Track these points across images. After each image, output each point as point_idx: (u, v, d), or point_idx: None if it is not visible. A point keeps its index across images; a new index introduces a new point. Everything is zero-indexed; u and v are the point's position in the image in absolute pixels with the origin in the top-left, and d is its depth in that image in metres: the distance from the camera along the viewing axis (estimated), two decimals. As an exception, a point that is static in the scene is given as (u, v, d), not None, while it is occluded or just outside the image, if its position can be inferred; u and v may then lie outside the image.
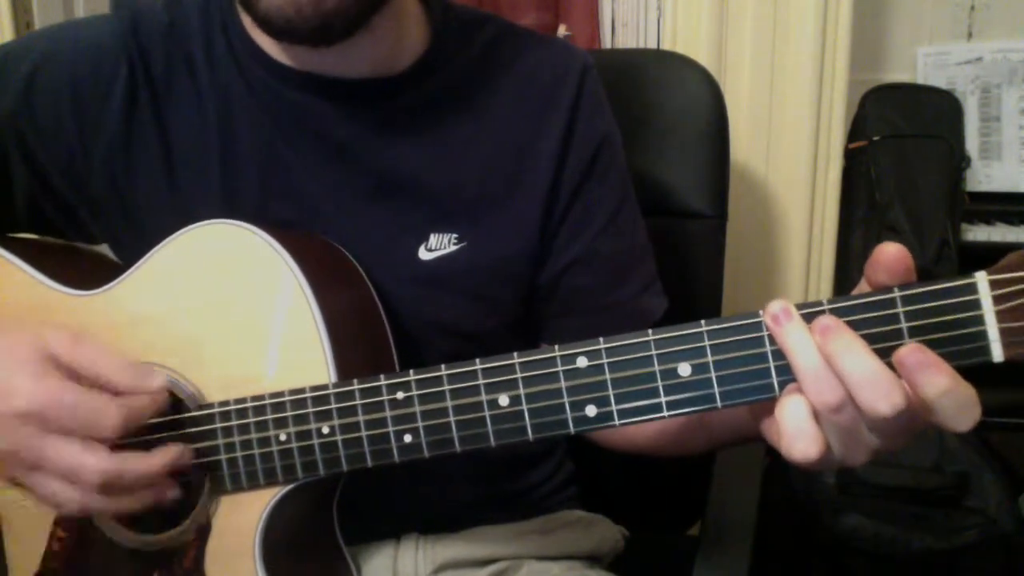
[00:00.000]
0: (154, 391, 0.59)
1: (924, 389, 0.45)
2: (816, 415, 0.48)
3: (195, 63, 0.72)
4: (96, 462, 0.56)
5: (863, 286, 0.50)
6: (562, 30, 1.67)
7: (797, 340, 0.48)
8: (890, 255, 0.47)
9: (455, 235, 0.73)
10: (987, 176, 1.70)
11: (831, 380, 0.47)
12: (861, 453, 0.49)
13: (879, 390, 0.45)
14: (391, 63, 0.72)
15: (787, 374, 0.49)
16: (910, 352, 0.45)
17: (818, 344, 0.47)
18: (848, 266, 1.60)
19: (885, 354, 0.46)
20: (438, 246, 0.72)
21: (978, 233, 1.62)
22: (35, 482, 0.58)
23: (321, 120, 0.71)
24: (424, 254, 0.72)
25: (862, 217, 1.61)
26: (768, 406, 0.52)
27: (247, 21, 0.70)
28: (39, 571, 0.69)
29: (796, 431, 0.48)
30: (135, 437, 0.61)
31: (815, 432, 0.48)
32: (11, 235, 0.77)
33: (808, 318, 0.48)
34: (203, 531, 0.65)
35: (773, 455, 0.54)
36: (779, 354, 0.49)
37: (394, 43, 0.72)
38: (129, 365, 0.59)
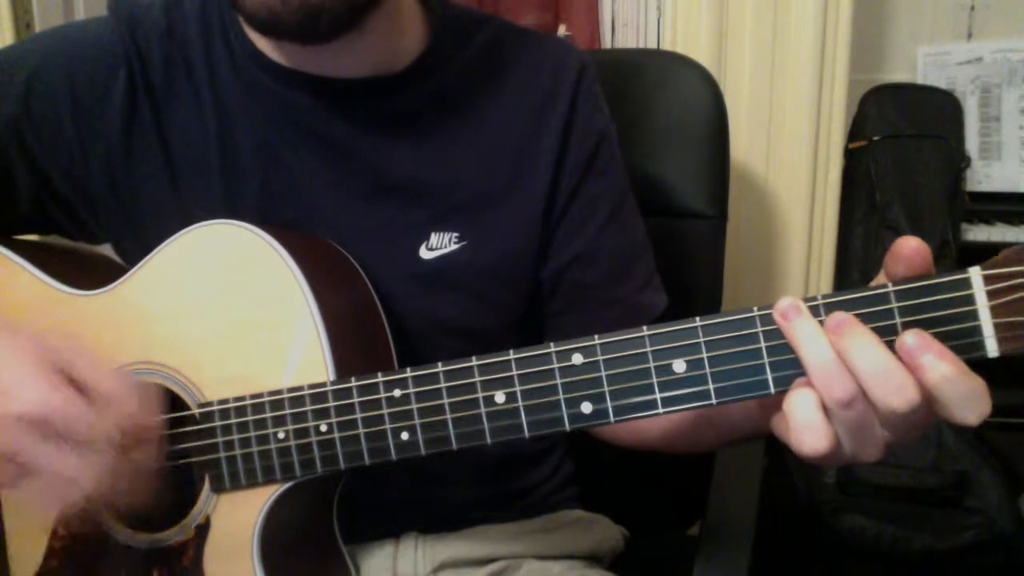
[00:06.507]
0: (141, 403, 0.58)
1: (927, 374, 0.45)
2: (825, 410, 0.48)
3: (194, 66, 0.72)
4: (87, 468, 0.55)
5: (881, 279, 0.50)
6: (562, 30, 1.67)
7: (807, 335, 0.48)
8: (910, 247, 0.47)
9: (456, 234, 0.73)
10: (987, 176, 1.70)
11: (842, 375, 0.46)
12: (873, 448, 0.49)
13: (891, 384, 0.45)
14: (389, 63, 0.72)
15: (782, 370, 0.49)
16: (910, 335, 0.45)
17: (831, 341, 0.47)
18: (848, 266, 1.60)
19: None
20: (439, 245, 0.73)
21: (978, 233, 1.63)
22: (25, 483, 0.56)
23: (318, 120, 0.72)
24: (425, 253, 0.73)
25: (862, 217, 1.60)
26: (778, 401, 0.52)
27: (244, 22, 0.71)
28: (40, 570, 0.69)
29: (805, 425, 0.48)
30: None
31: (824, 426, 0.47)
32: (15, 237, 0.78)
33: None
34: (202, 529, 0.65)
35: (773, 455, 0.54)
36: (774, 350, 0.49)
37: (392, 43, 0.72)
38: (120, 375, 0.58)
